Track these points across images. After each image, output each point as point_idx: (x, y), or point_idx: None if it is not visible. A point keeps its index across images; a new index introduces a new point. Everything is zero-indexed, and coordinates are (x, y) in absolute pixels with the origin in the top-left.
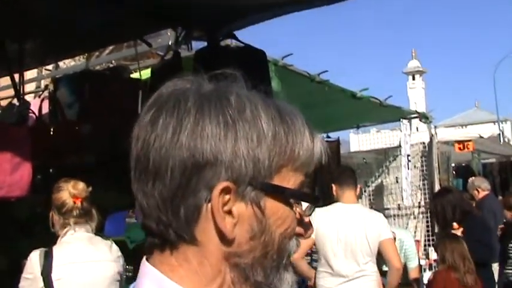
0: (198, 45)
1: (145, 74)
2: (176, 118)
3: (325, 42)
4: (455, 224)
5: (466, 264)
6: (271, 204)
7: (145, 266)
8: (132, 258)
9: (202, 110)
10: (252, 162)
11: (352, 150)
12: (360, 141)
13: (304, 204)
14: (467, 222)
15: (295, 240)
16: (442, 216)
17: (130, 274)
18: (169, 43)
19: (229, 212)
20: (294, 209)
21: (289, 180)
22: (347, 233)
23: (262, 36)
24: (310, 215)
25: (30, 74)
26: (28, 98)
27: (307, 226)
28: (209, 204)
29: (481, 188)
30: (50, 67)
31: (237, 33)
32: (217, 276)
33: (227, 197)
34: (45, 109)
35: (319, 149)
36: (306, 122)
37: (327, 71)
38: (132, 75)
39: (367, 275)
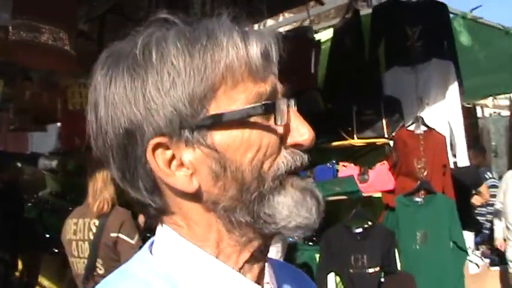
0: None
1: (328, 34)
2: (94, 100)
3: None
4: None
5: None
6: (220, 137)
7: (159, 228)
8: None
9: (110, 79)
10: (171, 105)
11: None
12: None
13: None
14: None
15: (292, 154)
16: None
17: (308, 234)
18: (348, 1)
19: (182, 164)
20: (262, 124)
21: (234, 99)
22: None
23: None
24: (279, 122)
25: None
26: None
27: (299, 132)
28: None
29: None
30: None
31: None
32: (210, 232)
33: (168, 152)
34: None
35: (257, 49)
36: (236, 27)
37: None
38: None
39: None
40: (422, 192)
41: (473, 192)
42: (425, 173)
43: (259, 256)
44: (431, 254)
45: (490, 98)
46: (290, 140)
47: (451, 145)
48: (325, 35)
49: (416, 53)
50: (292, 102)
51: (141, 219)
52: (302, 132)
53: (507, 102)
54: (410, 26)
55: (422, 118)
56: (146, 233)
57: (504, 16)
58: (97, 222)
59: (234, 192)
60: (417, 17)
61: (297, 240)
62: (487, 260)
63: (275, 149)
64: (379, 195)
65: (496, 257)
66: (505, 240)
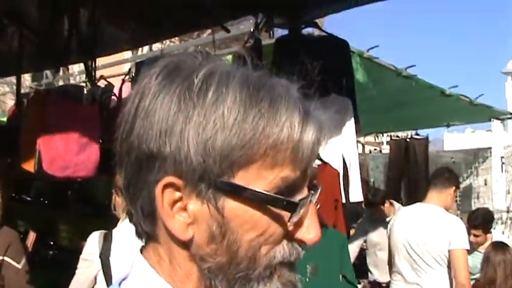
0: (280, 33)
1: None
2: (139, 97)
3: (412, 37)
4: None
5: (494, 281)
6: (232, 206)
7: (136, 258)
8: None
9: (160, 92)
10: (202, 156)
11: (446, 149)
12: (454, 140)
13: None
14: None
15: (290, 248)
16: None
17: None
18: (251, 30)
19: (184, 209)
20: (276, 211)
21: (262, 177)
22: (413, 236)
23: (348, 27)
24: (293, 220)
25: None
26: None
27: (309, 230)
28: None
29: None
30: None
31: (322, 23)
32: (189, 279)
33: (177, 194)
34: (127, 93)
35: (311, 138)
36: (300, 104)
37: (414, 65)
38: None
39: (426, 283)
40: None
41: None
42: (317, 207)
43: None
44: (321, 287)
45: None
46: (296, 235)
47: (344, 180)
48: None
49: (315, 88)
50: (316, 195)
51: (30, 240)
52: (311, 231)
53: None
54: (311, 60)
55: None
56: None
57: (398, 58)
58: None
59: (223, 260)
60: (319, 52)
61: None
62: None
63: (278, 238)
64: None
65: None
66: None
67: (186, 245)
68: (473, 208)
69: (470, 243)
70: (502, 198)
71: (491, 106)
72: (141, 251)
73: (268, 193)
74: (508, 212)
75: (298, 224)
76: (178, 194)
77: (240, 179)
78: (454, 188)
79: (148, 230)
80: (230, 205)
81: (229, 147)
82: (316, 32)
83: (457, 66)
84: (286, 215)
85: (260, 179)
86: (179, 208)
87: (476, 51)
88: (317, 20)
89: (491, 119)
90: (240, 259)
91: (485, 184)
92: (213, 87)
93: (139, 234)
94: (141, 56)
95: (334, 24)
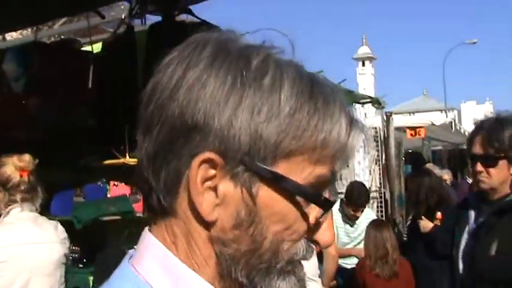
0: (153, 19)
1: (97, 48)
2: (184, 67)
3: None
4: (439, 214)
5: (387, 254)
6: (266, 194)
7: (146, 237)
8: (79, 239)
9: (212, 64)
10: (251, 137)
11: None
12: None
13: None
14: (444, 209)
15: (307, 246)
16: (415, 199)
17: (76, 256)
18: (123, 16)
19: (214, 189)
20: (303, 208)
21: (302, 171)
22: None
23: (218, 13)
24: (321, 219)
25: None
26: None
27: (325, 233)
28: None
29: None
30: None
31: (194, 9)
32: (208, 264)
33: (212, 171)
34: None
35: (356, 139)
36: (347, 108)
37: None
38: (82, 49)
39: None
40: None
41: None
42: None
43: None
44: None
45: None
46: (314, 235)
47: None
48: (94, 49)
49: None
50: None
51: None
52: (327, 234)
53: None
54: None
55: None
56: None
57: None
58: None
59: (246, 249)
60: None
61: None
62: None
63: (300, 235)
64: None
65: None
66: None
67: (208, 226)
68: (338, 189)
69: (354, 217)
70: (365, 180)
71: (353, 90)
72: (149, 229)
73: (308, 187)
74: (370, 192)
75: (318, 225)
76: (212, 172)
77: (281, 168)
78: None
79: (167, 205)
80: (265, 193)
81: (280, 136)
82: (189, 18)
83: (320, 51)
84: (312, 212)
85: (298, 171)
86: (208, 187)
87: (333, 37)
88: (191, 7)
89: (353, 103)
90: (263, 250)
91: (348, 166)
92: (271, 72)
93: (150, 208)
94: (7, 43)
95: (209, 10)
